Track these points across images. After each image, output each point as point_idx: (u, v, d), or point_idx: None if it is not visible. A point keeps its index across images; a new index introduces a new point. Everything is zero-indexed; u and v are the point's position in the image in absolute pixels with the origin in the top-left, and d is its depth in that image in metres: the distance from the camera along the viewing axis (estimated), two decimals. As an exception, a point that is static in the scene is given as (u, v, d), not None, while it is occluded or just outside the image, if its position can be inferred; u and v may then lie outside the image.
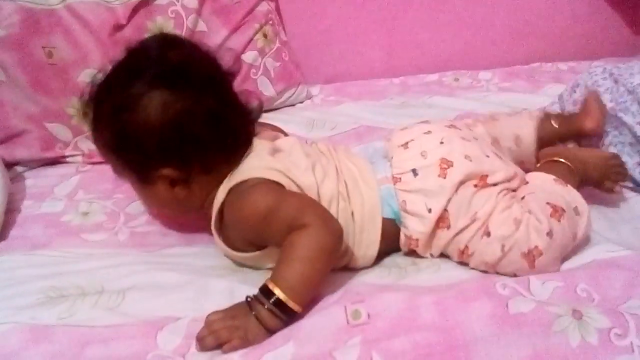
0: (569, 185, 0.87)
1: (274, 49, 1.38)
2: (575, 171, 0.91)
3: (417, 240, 0.83)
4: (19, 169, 1.16)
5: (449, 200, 0.82)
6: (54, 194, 1.07)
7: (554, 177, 0.87)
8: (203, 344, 0.70)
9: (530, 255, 0.79)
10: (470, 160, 0.84)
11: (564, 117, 1.04)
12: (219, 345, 0.70)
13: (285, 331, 0.71)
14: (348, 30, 1.52)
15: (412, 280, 0.80)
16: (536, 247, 0.79)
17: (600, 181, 0.94)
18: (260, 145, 0.85)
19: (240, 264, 0.85)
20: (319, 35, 1.51)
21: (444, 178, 0.82)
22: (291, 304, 0.71)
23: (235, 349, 0.69)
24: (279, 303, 0.71)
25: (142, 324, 0.74)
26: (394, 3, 1.52)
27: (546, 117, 1.02)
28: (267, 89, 1.35)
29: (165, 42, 0.83)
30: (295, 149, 0.87)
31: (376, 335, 0.69)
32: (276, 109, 1.39)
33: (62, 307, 0.77)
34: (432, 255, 0.85)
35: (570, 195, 0.86)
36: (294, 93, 1.41)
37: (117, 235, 0.94)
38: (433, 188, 0.82)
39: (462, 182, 0.83)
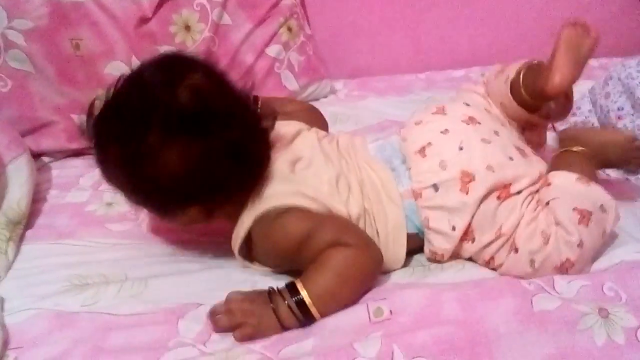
0: (591, 184, 0.82)
1: (299, 43, 1.38)
2: (594, 158, 0.87)
3: (442, 255, 0.82)
4: (45, 159, 1.18)
5: (472, 217, 0.79)
6: (79, 184, 1.09)
7: (576, 176, 0.81)
8: (217, 321, 0.71)
9: (563, 268, 0.77)
10: (493, 171, 0.80)
11: (532, 78, 0.85)
12: (232, 328, 0.70)
13: (307, 327, 0.71)
14: (373, 24, 1.52)
15: (435, 279, 0.80)
16: (567, 259, 0.76)
17: (620, 164, 0.91)
18: (279, 159, 0.80)
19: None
20: (344, 29, 1.51)
21: (466, 194, 0.79)
22: (313, 310, 0.71)
23: (245, 336, 0.69)
24: (301, 303, 0.71)
25: (163, 311, 0.75)
26: (420, -3, 1.51)
27: (517, 76, 0.87)
28: (291, 83, 1.36)
29: (170, 74, 0.74)
30: (316, 156, 0.82)
31: (398, 330, 0.68)
32: (300, 104, 1.39)
33: (86, 294, 0.78)
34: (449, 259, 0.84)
35: (594, 194, 0.80)
36: (317, 87, 1.41)
37: (140, 226, 0.95)
38: (455, 205, 0.79)
39: (485, 197, 0.79)
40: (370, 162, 0.85)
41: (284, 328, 0.71)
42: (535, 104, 0.86)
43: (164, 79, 0.73)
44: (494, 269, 0.81)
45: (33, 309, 0.76)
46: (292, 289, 0.72)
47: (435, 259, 0.83)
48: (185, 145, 0.72)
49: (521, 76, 0.86)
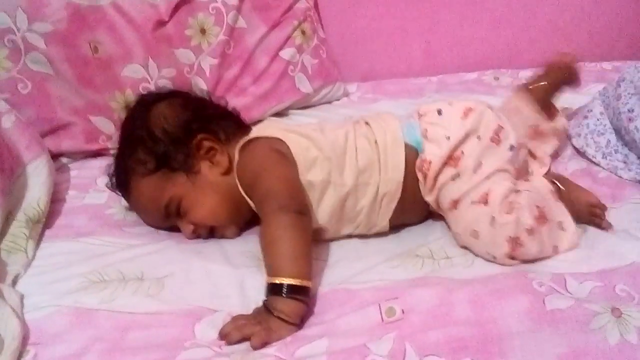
0: (559, 202, 0.87)
1: (312, 46, 1.39)
2: (564, 197, 0.90)
3: (429, 162, 0.87)
4: (63, 160, 1.20)
5: (467, 135, 0.86)
6: (96, 185, 1.10)
7: (552, 188, 0.89)
8: (228, 338, 0.72)
9: (513, 243, 0.81)
10: (491, 110, 0.90)
11: (536, 80, 1.09)
12: (243, 339, 0.71)
13: (320, 328, 0.72)
14: (386, 27, 1.52)
15: (444, 274, 0.80)
16: (518, 237, 0.80)
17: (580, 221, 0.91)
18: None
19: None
20: (357, 32, 1.52)
21: (466, 118, 0.88)
22: (297, 282, 0.73)
23: (261, 341, 0.70)
24: (289, 289, 0.73)
25: (180, 312, 0.76)
26: (433, 0, 1.51)
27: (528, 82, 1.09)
28: (304, 86, 1.36)
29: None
30: (305, 125, 0.95)
31: (410, 330, 0.69)
32: (313, 106, 1.40)
33: (104, 292, 0.80)
34: (430, 191, 0.88)
35: (559, 210, 0.86)
36: (331, 90, 1.42)
37: (158, 230, 0.96)
38: (453, 124, 0.88)
39: (479, 124, 0.87)
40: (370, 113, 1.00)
41: (296, 324, 0.72)
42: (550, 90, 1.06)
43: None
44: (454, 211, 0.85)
45: (52, 306, 0.77)
46: (272, 287, 0.74)
47: (422, 170, 0.88)
48: (165, 103, 0.94)
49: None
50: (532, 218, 0.82)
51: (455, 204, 0.85)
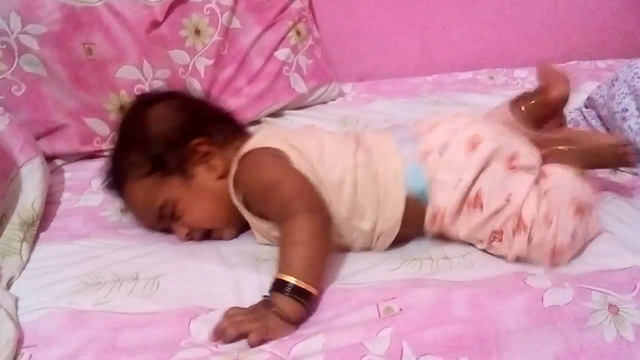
0: (586, 183, 0.85)
1: (307, 46, 1.39)
2: (583, 159, 0.88)
3: (444, 210, 0.83)
4: (58, 162, 1.20)
5: (478, 174, 0.82)
6: (91, 187, 1.10)
7: (574, 172, 0.85)
8: (225, 335, 0.71)
9: (553, 254, 0.79)
10: (498, 136, 0.85)
11: (530, 99, 0.95)
12: (240, 336, 0.70)
13: (317, 326, 0.72)
14: (381, 27, 1.52)
15: (444, 276, 0.79)
16: (561, 244, 0.79)
17: (613, 165, 0.93)
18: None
19: (264, 244, 0.88)
20: (352, 32, 1.52)
21: (473, 151, 0.83)
22: (304, 286, 0.72)
23: (259, 338, 0.69)
24: (295, 289, 0.72)
25: (175, 312, 0.76)
26: (428, 0, 1.51)
27: (516, 101, 0.96)
28: (299, 86, 1.36)
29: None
30: (306, 137, 0.91)
31: (407, 327, 0.68)
32: (308, 107, 1.40)
33: (99, 293, 0.79)
34: (458, 237, 0.84)
35: (589, 193, 0.84)
36: (326, 90, 1.42)
37: (153, 232, 0.95)
38: (462, 161, 0.83)
39: (491, 157, 0.83)
40: (372, 131, 0.96)
41: (293, 323, 0.72)
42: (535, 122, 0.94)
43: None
44: (494, 244, 0.82)
45: (47, 308, 0.77)
46: (279, 283, 0.73)
47: (435, 224, 0.84)
48: (162, 104, 0.93)
49: (522, 99, 0.95)
50: (571, 218, 0.79)
51: (497, 235, 0.82)
